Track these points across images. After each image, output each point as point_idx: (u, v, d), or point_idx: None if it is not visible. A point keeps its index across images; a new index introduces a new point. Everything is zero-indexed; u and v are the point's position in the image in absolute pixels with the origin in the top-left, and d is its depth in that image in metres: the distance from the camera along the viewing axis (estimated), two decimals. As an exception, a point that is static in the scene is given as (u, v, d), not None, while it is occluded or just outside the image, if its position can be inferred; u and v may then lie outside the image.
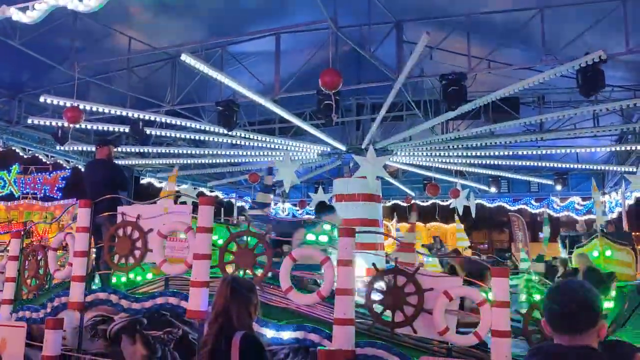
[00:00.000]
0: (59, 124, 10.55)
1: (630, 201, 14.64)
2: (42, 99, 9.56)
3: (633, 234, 9.90)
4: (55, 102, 9.47)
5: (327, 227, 6.09)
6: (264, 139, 12.12)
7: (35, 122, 10.73)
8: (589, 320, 1.73)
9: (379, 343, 4.31)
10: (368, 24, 8.00)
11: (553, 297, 1.80)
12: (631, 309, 6.37)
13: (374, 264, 4.92)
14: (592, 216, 16.56)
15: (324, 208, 7.06)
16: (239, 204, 17.20)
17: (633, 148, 12.17)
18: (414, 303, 4.44)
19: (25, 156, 13.47)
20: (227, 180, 17.18)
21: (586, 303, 1.73)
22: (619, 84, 10.06)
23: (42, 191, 18.45)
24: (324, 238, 5.96)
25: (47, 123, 10.80)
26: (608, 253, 7.87)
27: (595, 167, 14.67)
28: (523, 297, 6.15)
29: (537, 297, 6.16)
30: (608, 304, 7.13)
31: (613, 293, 7.29)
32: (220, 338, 2.57)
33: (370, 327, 4.62)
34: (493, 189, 16.63)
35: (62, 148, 12.25)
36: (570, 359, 1.66)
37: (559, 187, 15.63)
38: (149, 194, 14.86)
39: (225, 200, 18.59)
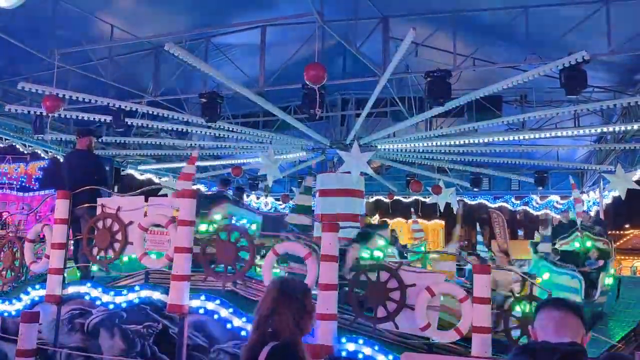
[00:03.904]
0: (38, 112, 10.31)
1: (608, 200, 14.92)
2: (20, 87, 9.32)
3: (610, 232, 10.13)
4: (33, 89, 9.25)
5: (381, 242, 5.91)
6: (248, 132, 12.03)
7: (13, 110, 10.46)
8: (578, 322, 1.83)
9: (362, 338, 4.32)
10: (354, 19, 7.97)
11: (547, 302, 1.97)
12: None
13: (357, 259, 4.92)
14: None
15: (377, 225, 6.94)
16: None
17: (612, 148, 12.38)
18: (397, 299, 4.45)
19: (1, 145, 13.15)
20: (209, 173, 17.02)
21: (577, 308, 1.87)
22: (598, 84, 10.21)
23: (19, 181, 18.07)
24: (378, 254, 5.74)
25: (25, 111, 10.55)
26: (588, 244, 8.19)
27: (574, 166, 14.93)
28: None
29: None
30: (609, 280, 7.74)
31: (612, 271, 7.99)
32: (257, 350, 2.18)
33: (352, 323, 4.62)
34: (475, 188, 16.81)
35: (40, 137, 11.98)
36: (558, 355, 1.67)
37: (539, 186, 15.85)
38: (130, 186, 14.64)
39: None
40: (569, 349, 1.70)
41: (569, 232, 8.59)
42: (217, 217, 5.99)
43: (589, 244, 8.13)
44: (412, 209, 14.81)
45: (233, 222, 5.96)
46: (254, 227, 6.37)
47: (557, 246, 8.42)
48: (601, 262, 7.59)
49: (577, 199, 9.58)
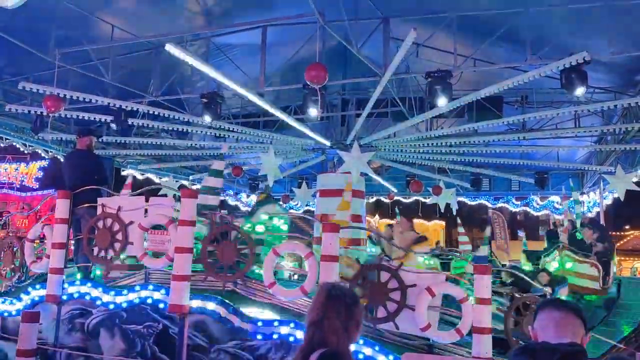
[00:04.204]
0: (38, 112, 10.30)
1: (608, 201, 14.91)
2: (20, 86, 9.32)
3: (611, 233, 10.04)
4: (34, 89, 9.25)
5: (264, 217, 6.38)
6: (248, 132, 12.04)
7: (13, 110, 10.46)
8: (578, 322, 1.84)
9: (362, 339, 4.32)
10: (355, 19, 7.97)
11: (547, 302, 1.96)
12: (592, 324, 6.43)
13: (357, 259, 4.92)
14: (557, 216, 16.87)
15: (267, 198, 7.07)
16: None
17: (612, 149, 12.38)
18: (397, 299, 4.45)
19: (1, 145, 13.14)
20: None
21: (578, 310, 1.89)
22: (599, 85, 10.21)
23: (19, 181, 18.06)
24: (260, 228, 6.28)
25: (26, 111, 10.55)
26: (569, 265, 7.84)
27: (574, 167, 14.93)
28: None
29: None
30: None
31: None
32: (307, 354, 2.15)
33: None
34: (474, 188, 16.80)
35: (40, 137, 11.98)
36: (558, 356, 1.67)
37: (539, 187, 15.85)
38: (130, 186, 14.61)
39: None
40: (569, 349, 1.70)
41: (552, 249, 8.36)
42: (264, 216, 6.39)
43: (569, 264, 7.86)
44: (397, 210, 14.73)
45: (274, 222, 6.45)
46: (285, 227, 6.66)
47: (541, 263, 8.28)
48: (549, 290, 6.54)
49: (565, 212, 9.45)
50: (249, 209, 6.99)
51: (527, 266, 7.84)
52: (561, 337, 1.76)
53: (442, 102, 8.17)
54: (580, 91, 7.51)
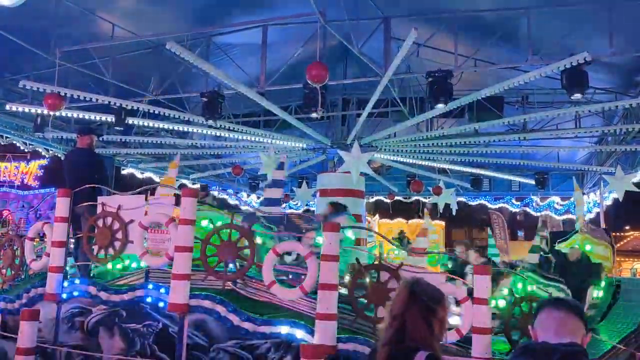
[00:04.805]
0: (39, 111, 10.30)
1: (608, 202, 14.91)
2: (21, 85, 9.32)
3: (610, 234, 10.01)
4: (35, 88, 9.25)
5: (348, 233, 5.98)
6: (248, 132, 12.03)
7: (14, 108, 10.46)
8: (579, 322, 1.83)
9: (361, 338, 4.32)
10: (356, 19, 7.97)
11: (548, 302, 1.94)
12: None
13: (357, 259, 4.92)
14: (570, 216, 16.89)
15: (337, 209, 6.88)
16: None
17: (613, 149, 12.38)
18: (397, 299, 4.44)
19: (2, 143, 13.15)
20: (209, 172, 17.03)
21: (578, 309, 1.88)
22: (599, 86, 10.21)
23: (20, 180, 18.07)
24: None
25: (27, 110, 10.55)
26: (588, 247, 8.00)
27: (575, 168, 14.93)
28: (505, 291, 6.18)
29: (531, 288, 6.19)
30: (598, 293, 7.35)
31: (603, 283, 7.50)
32: (396, 345, 2.13)
33: (352, 323, 4.62)
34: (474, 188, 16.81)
35: (41, 136, 11.98)
36: (558, 356, 1.67)
37: (539, 187, 15.85)
38: (131, 185, 14.64)
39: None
40: (569, 349, 1.70)
41: (571, 233, 8.46)
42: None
43: (588, 247, 7.88)
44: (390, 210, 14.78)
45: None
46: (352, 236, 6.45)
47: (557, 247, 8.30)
48: None
49: (578, 201, 9.44)
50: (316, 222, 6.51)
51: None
52: (561, 338, 1.75)
53: (441, 103, 8.18)
54: (580, 92, 7.51)
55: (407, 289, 2.23)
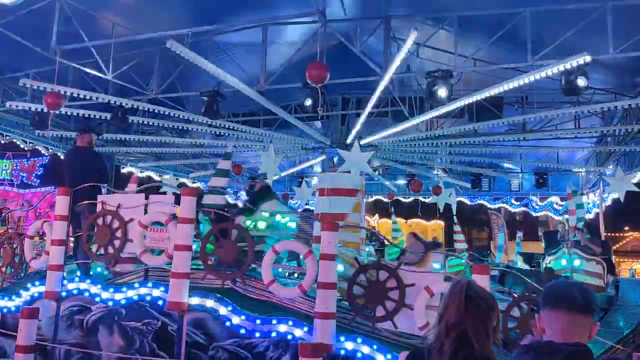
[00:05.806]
0: (38, 109, 10.30)
1: (608, 202, 14.92)
2: (21, 83, 9.31)
3: (610, 234, 9.99)
4: (35, 86, 9.24)
5: (265, 214, 6.23)
6: (248, 131, 12.04)
7: (14, 106, 10.46)
8: (588, 321, 1.81)
9: (360, 337, 4.33)
10: (356, 19, 7.97)
11: (560, 299, 1.86)
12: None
13: (355, 259, 4.92)
14: (566, 216, 16.86)
15: (264, 194, 6.93)
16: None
17: (612, 150, 12.39)
18: (396, 298, 4.46)
19: (2, 141, 13.15)
20: (209, 171, 17.03)
21: (588, 305, 1.84)
22: (599, 86, 10.21)
23: (19, 178, 18.06)
24: (262, 224, 6.16)
25: (26, 108, 10.54)
26: (577, 263, 7.85)
27: (574, 168, 14.95)
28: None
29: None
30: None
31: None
32: (458, 356, 1.93)
33: (351, 322, 4.63)
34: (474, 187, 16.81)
35: (41, 134, 11.98)
36: (562, 355, 1.67)
37: (539, 188, 15.86)
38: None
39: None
40: (573, 349, 1.70)
41: (558, 247, 8.31)
42: (265, 214, 6.19)
43: (577, 262, 7.78)
44: (392, 209, 14.73)
45: (277, 219, 6.32)
46: (293, 225, 6.56)
47: (544, 262, 8.20)
48: None
49: (572, 211, 9.26)
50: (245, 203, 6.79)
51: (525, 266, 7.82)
52: (567, 339, 1.75)
53: (442, 100, 8.17)
54: (580, 92, 7.51)
55: (462, 292, 2.00)
